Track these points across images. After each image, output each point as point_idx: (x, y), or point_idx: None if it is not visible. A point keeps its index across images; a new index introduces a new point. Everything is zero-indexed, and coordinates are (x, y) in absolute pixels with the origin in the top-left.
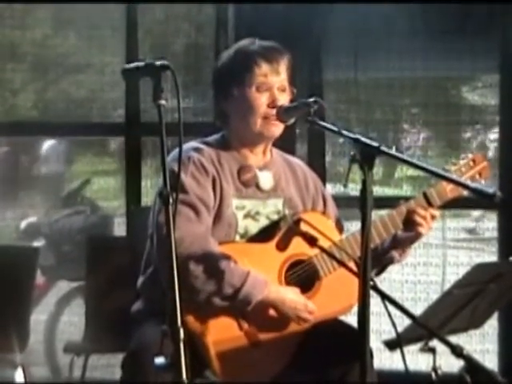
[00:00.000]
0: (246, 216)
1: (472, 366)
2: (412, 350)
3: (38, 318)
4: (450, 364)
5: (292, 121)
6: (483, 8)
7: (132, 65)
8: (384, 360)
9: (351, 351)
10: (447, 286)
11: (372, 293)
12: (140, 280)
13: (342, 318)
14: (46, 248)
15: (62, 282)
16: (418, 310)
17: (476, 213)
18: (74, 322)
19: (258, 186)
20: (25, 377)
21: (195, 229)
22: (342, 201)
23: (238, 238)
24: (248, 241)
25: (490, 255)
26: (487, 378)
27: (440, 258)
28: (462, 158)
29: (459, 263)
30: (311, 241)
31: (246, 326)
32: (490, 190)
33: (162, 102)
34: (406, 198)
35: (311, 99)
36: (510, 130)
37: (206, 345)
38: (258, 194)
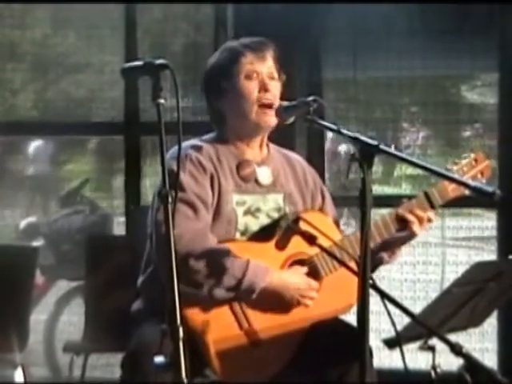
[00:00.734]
0: (246, 213)
1: (471, 364)
2: (411, 348)
3: (38, 317)
4: (450, 362)
5: (291, 120)
6: (482, 7)
7: (131, 64)
8: (383, 358)
9: (351, 350)
10: (446, 284)
11: (371, 292)
12: (140, 279)
13: (342, 316)
14: (45, 247)
15: (61, 282)
16: (417, 308)
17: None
18: (73, 322)
19: (257, 181)
20: (24, 376)
21: (194, 226)
22: (341, 200)
23: (238, 235)
24: (248, 239)
25: (490, 254)
26: (486, 377)
27: (439, 257)
28: (463, 156)
29: (458, 262)
30: (310, 239)
31: (246, 324)
32: (490, 189)
33: (161, 101)
34: (406, 197)
35: (311, 98)
36: (509, 128)
37: (206, 343)
38: (257, 189)
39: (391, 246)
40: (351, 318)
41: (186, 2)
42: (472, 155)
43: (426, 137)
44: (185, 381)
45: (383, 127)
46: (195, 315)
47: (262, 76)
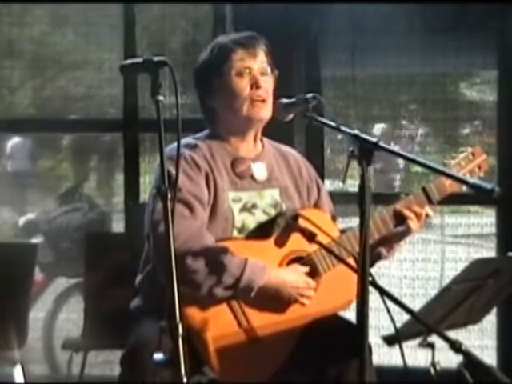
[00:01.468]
0: (243, 210)
1: (471, 361)
2: (411, 345)
3: (37, 314)
4: (449, 359)
5: (290, 117)
6: (481, 5)
7: (130, 61)
8: (383, 355)
9: (350, 347)
10: (446, 281)
11: (371, 288)
12: (138, 277)
13: (341, 313)
14: (44, 245)
15: (60, 279)
16: (416, 305)
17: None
18: (72, 319)
19: (252, 177)
20: (23, 374)
21: (190, 225)
22: (340, 197)
23: (235, 232)
24: (246, 238)
25: (489, 251)
26: (486, 374)
27: (438, 254)
28: (460, 151)
29: (458, 259)
30: (310, 237)
31: (245, 322)
32: (489, 186)
33: (160, 98)
34: (404, 193)
35: (310, 95)
36: (507, 125)
37: (205, 341)
38: (253, 185)
39: (389, 241)
40: (350, 314)
41: (185, 2)
42: (469, 149)
43: (424, 134)
44: (184, 378)
45: None
46: (194, 313)
47: (254, 72)
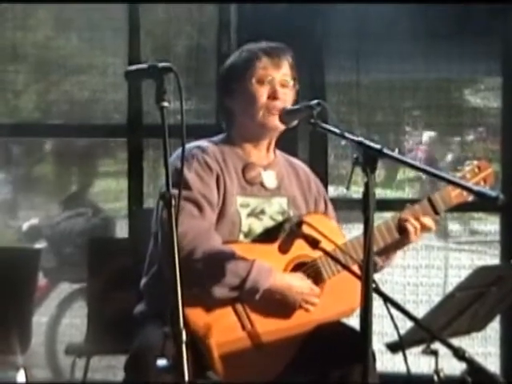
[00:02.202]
0: (250, 214)
1: (474, 368)
2: (414, 352)
3: (40, 319)
4: (452, 366)
5: (295, 123)
6: (485, 11)
7: (135, 67)
8: (386, 362)
9: (353, 353)
10: (449, 288)
11: (374, 295)
12: (143, 280)
13: (345, 320)
14: (47, 250)
15: (63, 284)
16: (420, 312)
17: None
18: (75, 324)
19: (262, 185)
20: (26, 378)
21: (198, 224)
22: (344, 203)
23: (241, 236)
24: (251, 241)
25: (493, 258)
26: (489, 381)
27: (442, 261)
28: (466, 164)
29: (461, 266)
30: (313, 243)
31: (249, 327)
32: (493, 193)
33: (165, 103)
34: (408, 201)
35: (314, 101)
36: (511, 132)
37: (209, 346)
38: (262, 192)
39: (386, 250)
40: (354, 321)
41: (189, 2)
42: (475, 163)
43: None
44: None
45: (386, 131)
46: (198, 318)
47: (274, 82)
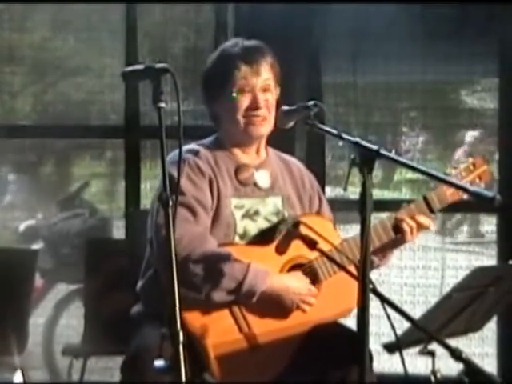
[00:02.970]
0: (245, 216)
1: (471, 369)
2: (411, 353)
3: (37, 320)
4: (449, 367)
5: (291, 124)
6: (482, 12)
7: (132, 67)
8: (383, 363)
9: (351, 354)
10: (446, 289)
11: (371, 296)
12: (139, 283)
13: (342, 320)
14: (44, 251)
15: (60, 285)
16: (417, 313)
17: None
18: (72, 325)
19: (255, 185)
20: (24, 379)
21: (193, 229)
22: (341, 204)
23: (237, 238)
24: (247, 243)
25: (490, 258)
26: (486, 382)
27: (439, 262)
28: (462, 161)
29: (458, 266)
30: (311, 244)
31: (246, 328)
32: (490, 194)
33: (162, 105)
34: (406, 202)
35: (311, 102)
36: (508, 133)
37: (206, 348)
38: (256, 193)
39: (383, 249)
40: (351, 321)
41: (186, 2)
42: (470, 160)
43: (425, 141)
44: None
45: (383, 131)
46: (195, 319)
47: (255, 91)
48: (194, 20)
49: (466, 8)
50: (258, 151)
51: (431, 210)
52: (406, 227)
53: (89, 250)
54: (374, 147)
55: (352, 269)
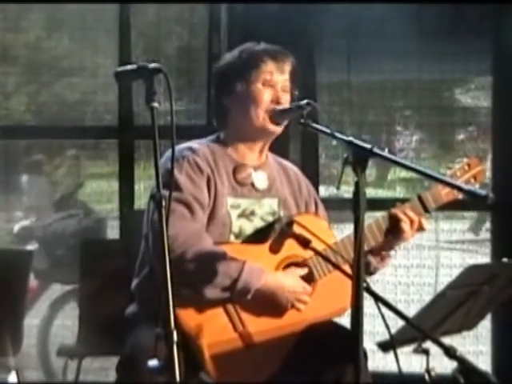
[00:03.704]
0: (241, 216)
1: (465, 367)
2: (405, 351)
3: (32, 321)
4: (444, 365)
5: (285, 123)
6: (476, 10)
7: (125, 67)
8: (377, 361)
9: (345, 353)
10: (440, 287)
11: (365, 294)
12: (134, 282)
13: (336, 319)
14: (39, 251)
15: (55, 286)
16: (411, 311)
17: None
18: (67, 326)
19: (253, 185)
20: (18, 380)
21: (189, 226)
22: (335, 203)
23: (232, 237)
24: (242, 242)
25: (484, 257)
26: (480, 380)
27: (433, 260)
28: (457, 161)
29: (452, 265)
30: (304, 243)
31: (240, 327)
32: (483, 192)
33: (155, 104)
34: (400, 200)
35: (304, 101)
36: (502, 131)
37: (201, 347)
38: (253, 193)
39: (380, 249)
40: (345, 320)
41: (180, 2)
42: (465, 160)
43: (419, 140)
44: None
45: (377, 130)
46: (189, 318)
47: (277, 88)
48: (187, 20)
49: (461, 7)
50: (261, 151)
51: (426, 210)
52: (404, 218)
53: (83, 250)
54: (368, 146)
55: (347, 268)
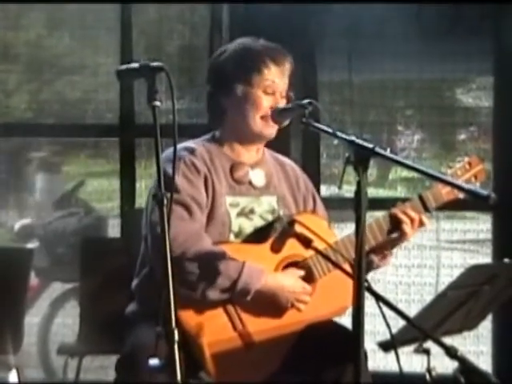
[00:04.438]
0: (240, 214)
1: (466, 367)
2: (406, 351)
3: (32, 319)
4: (445, 365)
5: (286, 122)
6: (477, 10)
7: (127, 66)
8: (378, 361)
9: (346, 352)
10: (441, 287)
11: (366, 294)
12: (135, 281)
13: (337, 319)
14: (39, 249)
15: (55, 284)
16: (412, 311)
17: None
18: (67, 324)
19: (250, 183)
20: (19, 379)
21: (188, 227)
22: (336, 202)
23: (232, 236)
24: (242, 242)
25: (485, 257)
26: (481, 380)
27: (434, 260)
28: (458, 160)
29: (453, 265)
30: (305, 242)
31: (240, 327)
32: (484, 192)
33: (157, 103)
34: (401, 200)
35: (306, 101)
36: (503, 131)
37: (201, 346)
38: (251, 191)
39: (382, 248)
40: (346, 320)
41: (182, 2)
42: (466, 159)
43: (421, 140)
44: (179, 383)
45: (378, 130)
46: (189, 318)
47: (278, 94)
48: (189, 18)
49: (461, 7)
50: (258, 149)
51: (426, 209)
52: (404, 218)
53: (84, 248)
54: (369, 145)
55: (347, 267)
